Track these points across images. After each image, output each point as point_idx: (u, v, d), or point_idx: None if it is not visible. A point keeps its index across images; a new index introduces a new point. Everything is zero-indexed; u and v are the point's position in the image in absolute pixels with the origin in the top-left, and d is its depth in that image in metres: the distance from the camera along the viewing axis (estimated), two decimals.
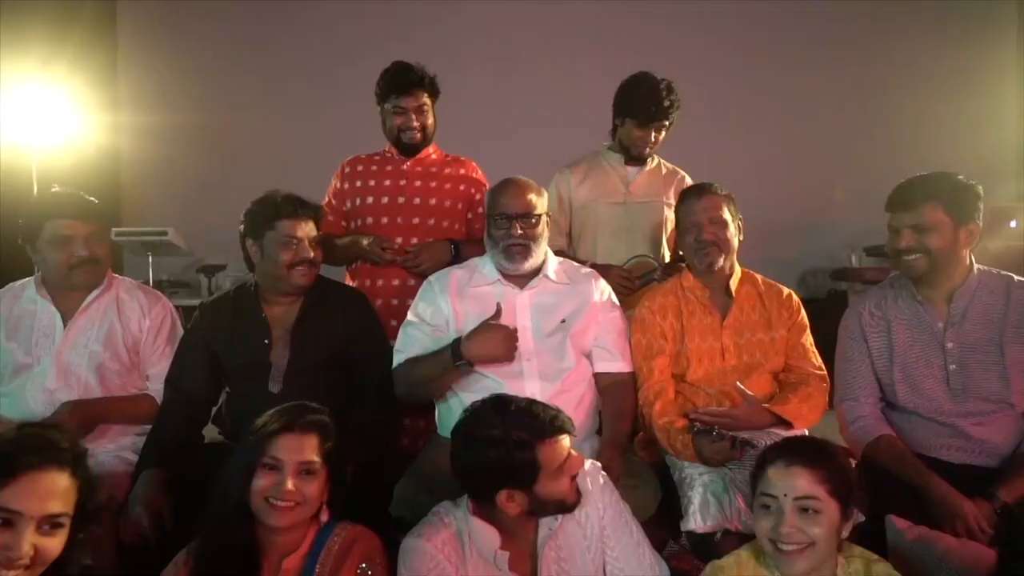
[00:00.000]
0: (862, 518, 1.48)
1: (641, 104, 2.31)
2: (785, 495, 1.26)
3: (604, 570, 1.44)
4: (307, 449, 1.36)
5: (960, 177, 1.72)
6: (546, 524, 1.41)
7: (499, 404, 1.39)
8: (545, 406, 1.39)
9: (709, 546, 1.57)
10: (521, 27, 5.32)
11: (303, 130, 5.57)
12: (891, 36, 5.43)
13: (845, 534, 1.31)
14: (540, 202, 1.91)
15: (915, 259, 1.69)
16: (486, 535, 1.38)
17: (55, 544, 1.12)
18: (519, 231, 1.86)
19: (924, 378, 1.73)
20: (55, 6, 5.27)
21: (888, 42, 5.43)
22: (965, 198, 1.68)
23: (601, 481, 1.48)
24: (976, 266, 1.76)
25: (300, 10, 5.69)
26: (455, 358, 1.77)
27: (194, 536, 1.40)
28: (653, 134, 2.36)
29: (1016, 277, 1.76)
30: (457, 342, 1.78)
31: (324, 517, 1.40)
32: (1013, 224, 4.53)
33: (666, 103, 2.29)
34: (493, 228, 1.90)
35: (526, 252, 1.88)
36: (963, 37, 5.45)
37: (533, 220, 1.88)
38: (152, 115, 5.57)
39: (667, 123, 2.35)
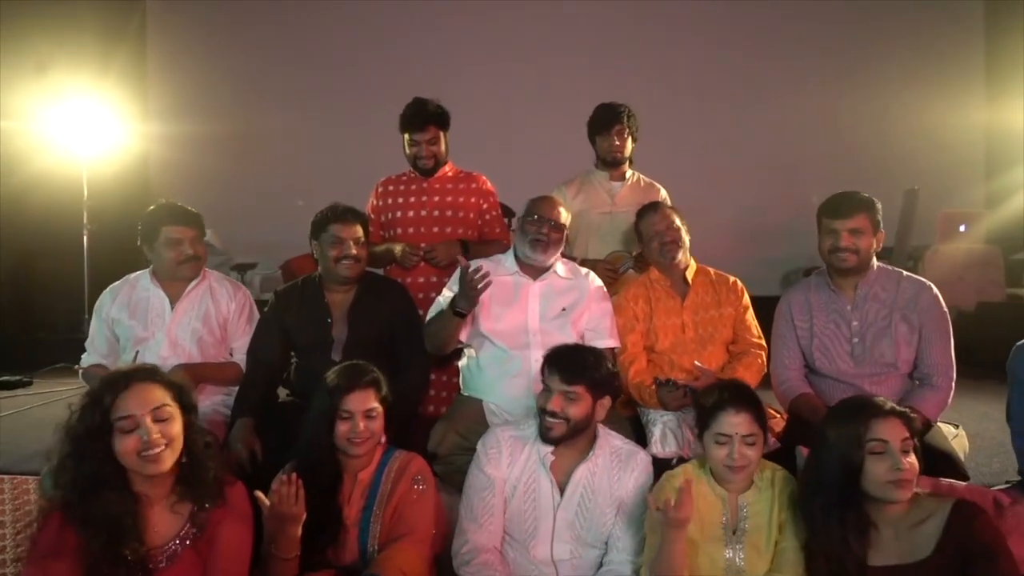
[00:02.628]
0: (778, 444, 2.03)
1: (599, 117, 2.95)
2: (736, 433, 1.75)
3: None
4: (369, 399, 1.86)
5: (863, 193, 2.25)
6: (588, 458, 1.93)
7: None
8: None
9: (668, 468, 2.10)
10: (532, 51, 5.90)
11: (323, 137, 6.13)
12: (865, 49, 5.95)
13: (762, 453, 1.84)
14: (566, 217, 2.46)
15: (848, 256, 2.19)
16: (542, 444, 1.93)
17: (174, 428, 1.57)
18: (545, 231, 2.40)
19: (835, 349, 2.26)
20: (102, 26, 5.80)
21: (862, 54, 5.95)
22: (878, 212, 2.22)
23: (641, 463, 1.97)
24: (875, 263, 2.30)
25: (318, 25, 6.23)
26: (452, 308, 2.32)
27: (282, 465, 1.92)
28: (616, 139, 2.93)
29: (904, 272, 2.29)
30: (454, 299, 2.33)
31: (383, 442, 1.93)
32: (962, 228, 5.06)
33: (619, 111, 2.91)
34: (527, 224, 2.43)
35: (545, 248, 2.42)
36: (932, 50, 5.98)
37: (557, 227, 2.42)
38: (180, 125, 6.10)
39: (625, 129, 2.93)
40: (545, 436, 1.92)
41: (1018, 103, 5.60)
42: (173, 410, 1.59)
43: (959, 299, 4.80)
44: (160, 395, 1.57)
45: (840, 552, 1.59)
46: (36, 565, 1.49)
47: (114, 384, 1.55)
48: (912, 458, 1.58)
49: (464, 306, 2.29)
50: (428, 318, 2.48)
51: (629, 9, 5.94)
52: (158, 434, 1.53)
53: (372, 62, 6.16)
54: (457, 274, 2.40)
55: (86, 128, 5.21)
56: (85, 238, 5.30)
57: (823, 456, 1.66)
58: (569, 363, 1.91)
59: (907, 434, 1.59)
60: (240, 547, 1.65)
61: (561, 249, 2.50)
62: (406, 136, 2.84)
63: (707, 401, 1.81)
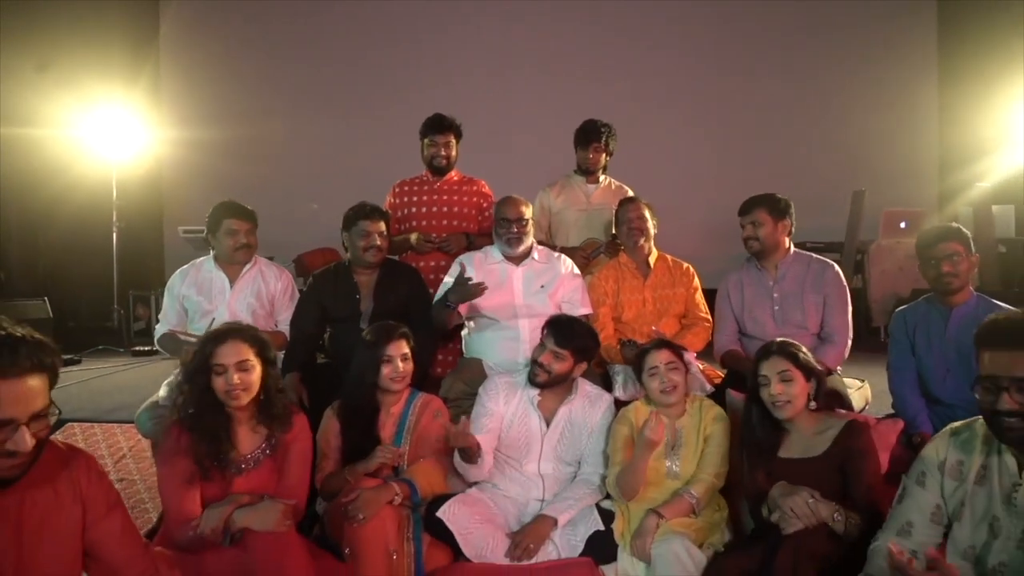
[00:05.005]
0: (712, 389, 2.63)
1: (582, 133, 3.54)
2: (660, 363, 2.35)
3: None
4: (403, 346, 2.42)
5: (777, 194, 2.86)
6: (568, 400, 2.50)
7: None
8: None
9: None
10: (526, 65, 6.51)
11: (327, 140, 6.68)
12: (824, 57, 6.55)
13: (690, 392, 2.43)
14: (527, 211, 3.02)
15: (752, 243, 2.83)
16: (531, 389, 2.50)
17: (254, 378, 2.02)
18: (514, 230, 2.98)
19: (761, 316, 2.86)
20: (130, 37, 6.30)
21: (822, 63, 6.54)
22: (781, 205, 2.83)
23: (606, 403, 2.55)
24: (792, 248, 2.90)
25: (328, 31, 6.74)
26: (444, 303, 2.90)
27: (323, 407, 2.48)
28: (592, 154, 3.53)
29: (814, 255, 2.91)
30: (446, 294, 2.90)
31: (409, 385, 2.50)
32: (903, 225, 5.69)
33: (600, 132, 3.50)
34: (499, 228, 3.01)
35: (517, 242, 2.99)
36: (887, 58, 6.55)
37: (523, 223, 2.99)
38: (191, 130, 6.60)
39: (602, 147, 3.52)
40: (531, 379, 2.50)
41: (971, 104, 6.10)
42: (254, 362, 2.08)
43: (898, 287, 5.45)
44: (245, 350, 2.07)
45: (760, 446, 2.15)
46: (166, 462, 2.04)
47: (216, 337, 2.09)
48: (787, 386, 2.08)
49: (454, 300, 2.87)
50: (438, 296, 3.05)
51: (609, 32, 6.60)
52: (238, 380, 2.03)
53: (380, 68, 6.71)
54: (455, 267, 2.97)
55: (115, 134, 5.74)
56: (115, 236, 5.84)
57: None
58: (566, 331, 2.47)
59: (784, 367, 2.10)
60: (305, 458, 2.19)
61: (531, 236, 3.04)
62: (426, 140, 3.43)
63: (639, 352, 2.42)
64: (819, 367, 2.22)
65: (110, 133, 5.72)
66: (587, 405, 2.54)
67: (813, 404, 2.15)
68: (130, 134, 5.87)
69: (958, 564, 1.61)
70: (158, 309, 5.81)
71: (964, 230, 2.53)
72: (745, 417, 2.23)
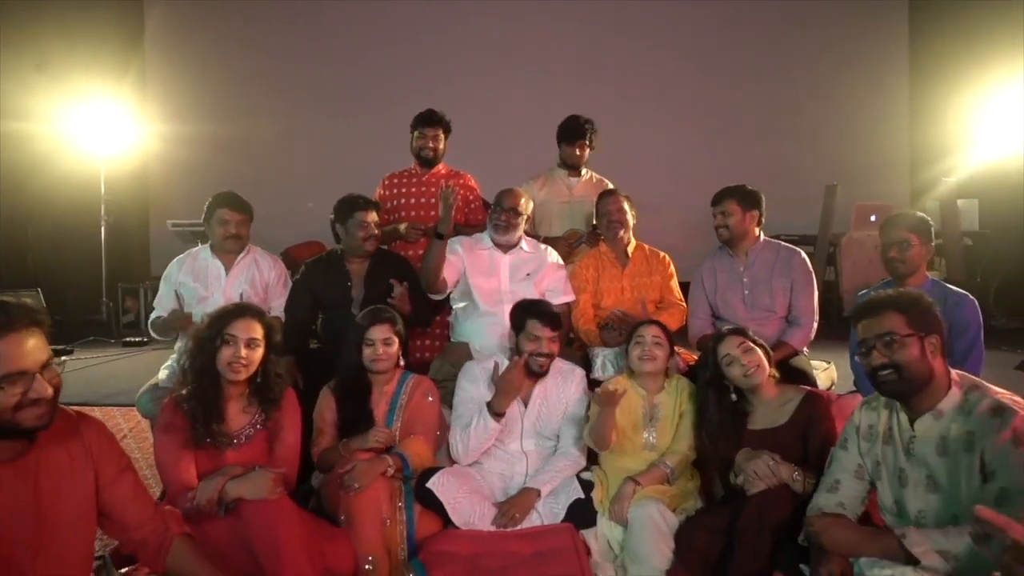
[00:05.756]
0: (686, 368, 2.79)
1: (566, 130, 3.68)
2: (646, 335, 2.51)
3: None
4: (386, 330, 2.54)
5: (747, 186, 3.03)
6: (542, 380, 2.62)
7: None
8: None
9: None
10: (513, 64, 6.65)
11: (314, 136, 6.78)
12: (799, 58, 6.76)
13: (671, 366, 2.59)
14: (524, 205, 3.15)
15: (721, 231, 3.00)
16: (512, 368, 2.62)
17: (257, 357, 2.16)
18: (504, 218, 3.11)
19: (732, 300, 3.02)
20: (117, 32, 6.36)
21: (797, 63, 6.76)
22: (750, 196, 2.99)
23: (578, 377, 2.70)
24: (762, 236, 3.07)
25: (308, 30, 6.83)
26: (435, 232, 3.02)
27: (317, 390, 2.60)
28: (577, 150, 3.68)
29: (782, 243, 3.08)
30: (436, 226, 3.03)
31: (402, 364, 2.63)
32: (873, 218, 5.88)
33: (584, 128, 3.64)
34: (493, 213, 3.15)
35: (506, 230, 3.12)
36: (860, 57, 6.76)
37: (515, 214, 3.12)
38: (177, 125, 6.67)
39: (585, 143, 3.67)
40: (538, 371, 2.59)
41: (941, 102, 6.32)
42: (260, 342, 2.20)
43: (868, 277, 5.64)
44: (257, 329, 2.20)
45: (723, 425, 2.31)
46: (162, 435, 2.15)
47: (234, 310, 2.23)
48: (749, 355, 2.26)
49: (443, 228, 2.99)
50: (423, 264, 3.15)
51: (592, 33, 6.76)
52: (244, 355, 2.16)
53: (369, 65, 6.82)
54: (449, 245, 3.11)
55: (103, 129, 5.79)
56: (103, 230, 5.91)
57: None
58: (551, 316, 2.61)
59: (740, 341, 2.29)
60: (294, 431, 2.30)
61: (522, 229, 3.19)
62: (416, 132, 3.56)
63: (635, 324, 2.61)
64: (763, 342, 2.41)
65: (98, 128, 5.77)
66: (560, 381, 2.68)
67: (775, 373, 2.35)
68: (118, 129, 5.93)
69: (888, 520, 1.80)
70: (147, 302, 5.96)
71: (926, 220, 2.70)
72: (702, 405, 2.40)
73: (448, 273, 3.10)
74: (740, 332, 2.35)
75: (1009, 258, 5.44)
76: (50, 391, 1.45)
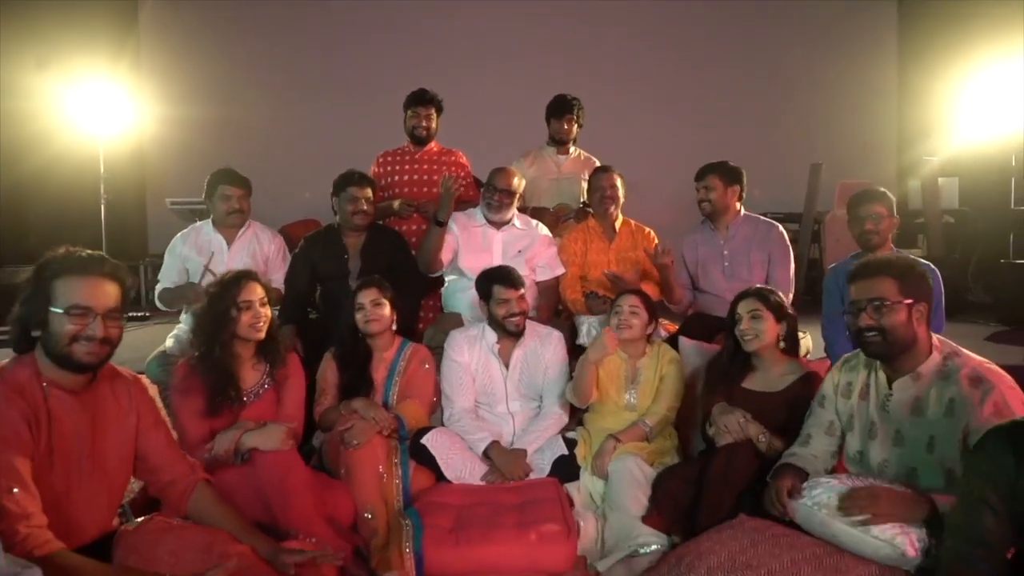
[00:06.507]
0: (667, 335, 2.95)
1: (555, 106, 3.81)
2: (622, 305, 2.65)
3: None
4: (372, 294, 2.67)
5: (729, 162, 3.16)
6: (521, 343, 2.78)
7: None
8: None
9: None
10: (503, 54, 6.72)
11: (307, 117, 6.86)
12: (788, 38, 6.85)
13: (650, 331, 2.74)
14: (517, 184, 3.27)
15: (705, 204, 3.13)
16: (490, 333, 2.79)
17: (268, 312, 2.35)
18: (496, 198, 3.23)
19: (712, 271, 3.17)
20: (117, 14, 6.40)
21: (786, 43, 6.86)
22: (732, 172, 3.13)
23: (556, 338, 2.85)
24: (742, 211, 3.21)
25: (299, 14, 6.88)
26: (436, 223, 3.15)
27: (318, 358, 2.75)
28: (565, 125, 3.80)
29: (761, 217, 3.22)
30: (435, 214, 3.16)
31: (394, 328, 2.76)
32: None
33: (571, 104, 3.77)
34: (486, 192, 3.27)
35: (498, 209, 3.25)
36: (849, 37, 6.85)
37: (508, 194, 3.24)
38: (172, 106, 6.74)
39: (573, 118, 3.78)
40: (515, 331, 2.75)
41: (930, 82, 6.38)
42: (266, 300, 2.39)
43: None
44: (261, 290, 2.38)
45: (726, 373, 2.45)
46: (179, 395, 2.30)
47: (237, 279, 2.37)
48: (754, 323, 2.36)
49: (443, 216, 3.13)
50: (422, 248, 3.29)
51: (582, 14, 6.85)
52: (264, 313, 2.35)
53: (363, 47, 6.89)
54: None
55: (101, 109, 5.86)
56: (103, 208, 6.01)
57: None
58: (513, 278, 2.76)
59: (755, 307, 2.38)
60: (299, 390, 2.48)
61: (515, 208, 3.32)
62: (409, 111, 3.66)
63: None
64: (791, 311, 2.48)
65: (96, 109, 5.84)
66: (538, 344, 2.83)
67: (783, 344, 2.43)
68: (116, 110, 6.00)
69: (851, 469, 1.97)
70: (146, 278, 6.07)
71: (889, 194, 2.84)
72: (725, 346, 2.52)
73: (445, 254, 3.24)
74: (762, 297, 2.42)
75: (986, 236, 5.58)
76: (100, 333, 1.62)
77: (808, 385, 2.34)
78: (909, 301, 1.83)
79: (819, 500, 1.75)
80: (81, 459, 1.67)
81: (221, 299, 2.33)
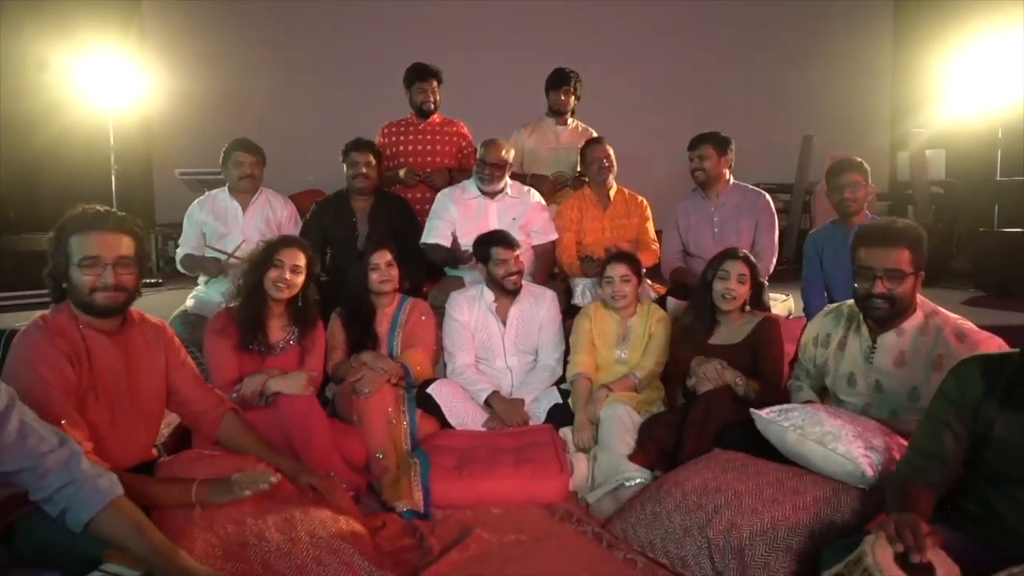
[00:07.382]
0: (657, 296, 3.14)
1: (554, 78, 3.95)
2: (615, 275, 2.83)
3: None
4: (385, 255, 2.86)
5: (721, 132, 3.32)
6: (517, 301, 2.98)
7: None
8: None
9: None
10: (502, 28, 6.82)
11: (309, 89, 6.97)
12: (783, 10, 6.94)
13: (642, 294, 2.93)
14: (508, 155, 3.41)
15: (698, 173, 3.30)
16: (488, 293, 2.97)
17: (299, 282, 2.52)
18: (487, 171, 3.37)
19: (703, 237, 3.35)
20: None
21: (781, 15, 6.94)
22: (724, 141, 3.29)
23: (549, 297, 3.05)
24: (732, 180, 3.38)
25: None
26: (458, 261, 3.33)
27: (327, 317, 2.93)
28: (563, 96, 3.93)
29: (749, 186, 3.39)
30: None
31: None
32: None
33: (569, 76, 3.91)
34: (477, 166, 3.43)
35: (490, 182, 3.39)
36: (844, 10, 6.92)
37: (499, 168, 3.38)
38: (179, 80, 6.85)
39: (571, 90, 3.93)
40: (513, 289, 2.95)
41: (924, 56, 6.50)
42: (303, 269, 2.55)
43: None
44: (301, 258, 2.55)
45: (695, 330, 2.65)
46: (213, 337, 2.50)
47: (284, 241, 2.57)
48: (740, 286, 2.55)
49: (464, 259, 3.26)
50: (430, 231, 3.43)
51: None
52: (289, 277, 2.51)
53: (366, 20, 6.95)
54: (437, 205, 3.43)
55: (109, 82, 5.98)
56: (113, 178, 6.16)
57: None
58: (508, 239, 2.94)
59: (744, 271, 2.56)
60: (322, 352, 2.69)
61: (506, 177, 3.44)
62: (413, 87, 3.80)
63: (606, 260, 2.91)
64: (763, 280, 2.68)
65: (105, 81, 5.96)
66: (533, 303, 3.02)
67: (747, 308, 2.65)
68: (124, 82, 6.11)
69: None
70: (156, 247, 6.24)
71: (865, 164, 3.01)
72: (694, 301, 2.72)
73: (445, 234, 3.42)
74: (751, 265, 2.59)
75: (972, 206, 5.74)
76: (111, 280, 1.77)
77: (766, 329, 2.58)
78: (917, 271, 1.94)
79: (794, 422, 1.94)
80: (120, 393, 1.86)
81: (265, 252, 2.53)
